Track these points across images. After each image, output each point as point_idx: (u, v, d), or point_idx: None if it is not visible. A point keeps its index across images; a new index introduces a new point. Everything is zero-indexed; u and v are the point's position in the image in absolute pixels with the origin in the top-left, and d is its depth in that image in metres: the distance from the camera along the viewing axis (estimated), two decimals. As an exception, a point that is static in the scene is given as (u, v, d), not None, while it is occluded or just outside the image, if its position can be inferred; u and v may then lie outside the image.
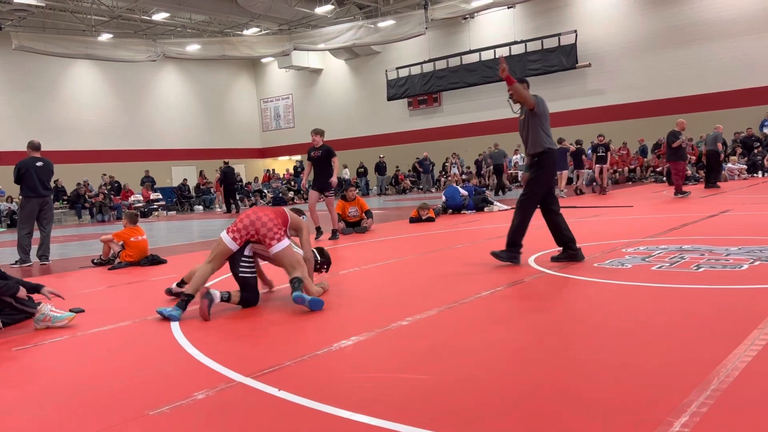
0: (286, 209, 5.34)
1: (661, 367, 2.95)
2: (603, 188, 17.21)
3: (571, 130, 25.72)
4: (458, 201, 13.25)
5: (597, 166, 17.66)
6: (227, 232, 4.92)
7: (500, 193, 20.66)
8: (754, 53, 21.77)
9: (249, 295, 4.95)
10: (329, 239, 9.75)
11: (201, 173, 28.43)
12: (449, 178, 24.99)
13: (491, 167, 22.30)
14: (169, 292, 5.58)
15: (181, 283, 5.49)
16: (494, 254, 6.09)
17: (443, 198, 13.59)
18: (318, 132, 10.01)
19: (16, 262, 9.14)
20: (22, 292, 4.77)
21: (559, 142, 17.20)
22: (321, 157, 9.92)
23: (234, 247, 4.90)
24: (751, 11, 21.85)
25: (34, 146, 9.37)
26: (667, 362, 3.01)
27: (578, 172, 18.56)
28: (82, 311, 5.03)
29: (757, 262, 5.31)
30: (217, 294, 4.74)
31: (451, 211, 13.20)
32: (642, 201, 13.32)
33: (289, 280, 4.83)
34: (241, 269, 4.93)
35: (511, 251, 6.04)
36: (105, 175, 24.95)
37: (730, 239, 6.74)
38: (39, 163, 9.19)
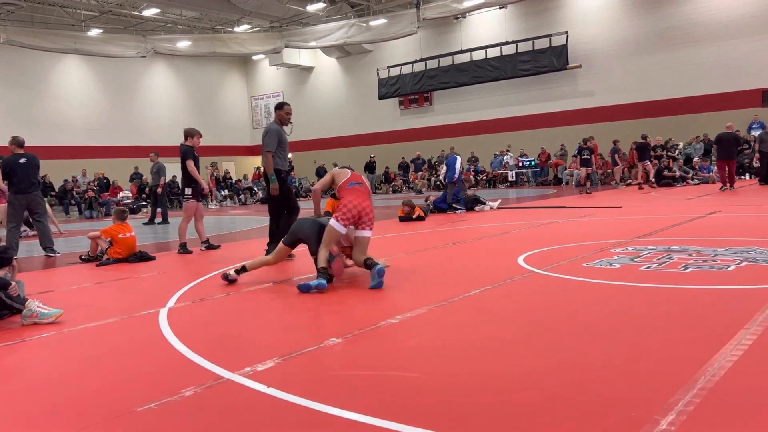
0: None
1: (649, 366, 2.97)
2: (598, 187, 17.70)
3: (561, 131, 25.89)
4: (453, 172, 13.30)
5: (582, 168, 18.34)
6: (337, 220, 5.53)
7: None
8: (743, 56, 21.92)
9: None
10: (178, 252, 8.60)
11: None
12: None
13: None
14: (226, 277, 5.89)
15: (242, 270, 5.88)
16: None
17: (444, 167, 14.20)
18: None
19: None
20: (13, 289, 4.73)
21: (614, 142, 19.72)
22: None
23: (343, 230, 5.58)
24: (741, 15, 22.00)
25: (17, 143, 9.24)
26: (655, 361, 3.03)
27: (645, 165, 18.75)
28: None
29: (743, 263, 5.37)
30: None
31: (438, 210, 13.26)
32: (631, 202, 13.41)
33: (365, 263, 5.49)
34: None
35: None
36: (99, 172, 24.85)
37: (717, 240, 6.80)
38: (22, 160, 9.07)
